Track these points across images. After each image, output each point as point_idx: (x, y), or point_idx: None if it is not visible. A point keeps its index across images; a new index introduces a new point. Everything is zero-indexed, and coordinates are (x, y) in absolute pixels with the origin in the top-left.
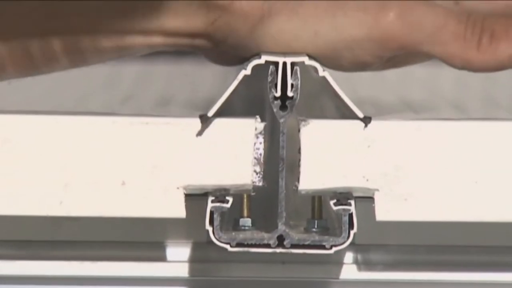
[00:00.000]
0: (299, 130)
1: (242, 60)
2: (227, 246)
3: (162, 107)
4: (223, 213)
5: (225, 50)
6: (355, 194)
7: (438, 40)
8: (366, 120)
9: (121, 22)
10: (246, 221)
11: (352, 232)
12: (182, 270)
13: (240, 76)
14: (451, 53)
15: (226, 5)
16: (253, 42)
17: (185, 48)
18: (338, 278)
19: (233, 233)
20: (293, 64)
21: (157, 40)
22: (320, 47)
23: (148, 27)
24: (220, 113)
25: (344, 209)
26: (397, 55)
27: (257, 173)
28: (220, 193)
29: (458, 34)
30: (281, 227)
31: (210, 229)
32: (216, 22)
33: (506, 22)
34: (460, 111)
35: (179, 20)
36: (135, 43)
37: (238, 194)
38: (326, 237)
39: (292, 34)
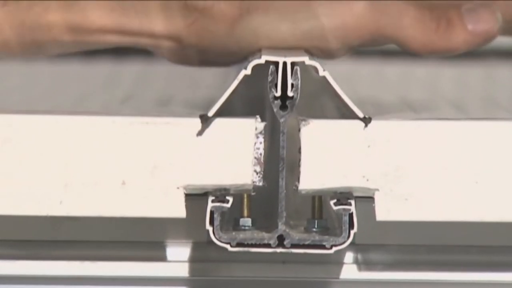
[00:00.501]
0: (299, 130)
1: (206, 63)
2: (227, 246)
3: (162, 107)
4: (223, 213)
5: (189, 53)
6: (355, 194)
7: (401, 24)
8: (366, 120)
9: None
10: (246, 221)
11: (352, 232)
12: (182, 270)
13: (240, 76)
14: (412, 37)
15: (206, 8)
16: (232, 40)
17: (145, 47)
18: (338, 278)
19: (233, 233)
20: (293, 64)
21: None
22: (297, 37)
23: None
24: (220, 113)
25: (344, 209)
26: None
27: (257, 173)
28: (220, 193)
29: (419, 19)
30: (281, 227)
31: (210, 229)
32: (193, 25)
33: (460, 10)
34: (460, 111)
35: (156, 22)
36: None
37: (238, 194)
38: (326, 237)
39: (271, 26)
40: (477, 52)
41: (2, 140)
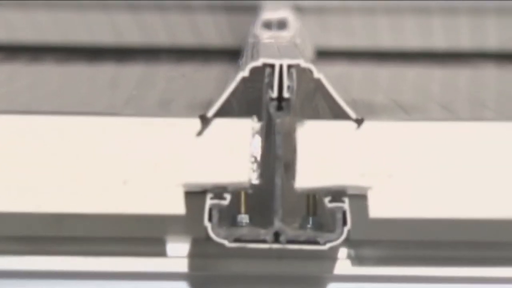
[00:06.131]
0: (295, 130)
1: None
2: (225, 242)
3: (164, 108)
4: (221, 210)
5: None
6: (349, 192)
7: None
8: (359, 121)
9: None
10: (244, 218)
11: (345, 229)
12: (181, 265)
13: (238, 78)
14: None
15: None
16: None
17: None
18: (332, 273)
19: (231, 229)
20: (289, 66)
21: None
22: None
23: None
24: (219, 114)
25: (338, 207)
26: None
27: (254, 171)
28: (219, 191)
29: None
30: (277, 224)
31: (208, 225)
32: None
33: None
34: (449, 112)
35: None
36: None
37: (236, 191)
38: (321, 233)
39: None
40: (464, 54)
41: (10, 140)
